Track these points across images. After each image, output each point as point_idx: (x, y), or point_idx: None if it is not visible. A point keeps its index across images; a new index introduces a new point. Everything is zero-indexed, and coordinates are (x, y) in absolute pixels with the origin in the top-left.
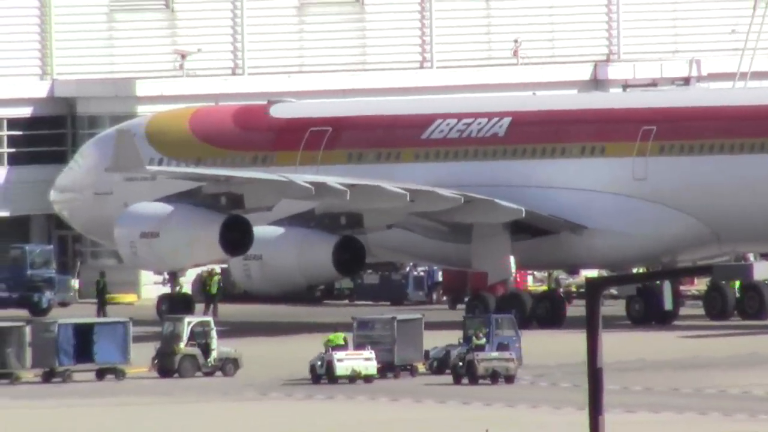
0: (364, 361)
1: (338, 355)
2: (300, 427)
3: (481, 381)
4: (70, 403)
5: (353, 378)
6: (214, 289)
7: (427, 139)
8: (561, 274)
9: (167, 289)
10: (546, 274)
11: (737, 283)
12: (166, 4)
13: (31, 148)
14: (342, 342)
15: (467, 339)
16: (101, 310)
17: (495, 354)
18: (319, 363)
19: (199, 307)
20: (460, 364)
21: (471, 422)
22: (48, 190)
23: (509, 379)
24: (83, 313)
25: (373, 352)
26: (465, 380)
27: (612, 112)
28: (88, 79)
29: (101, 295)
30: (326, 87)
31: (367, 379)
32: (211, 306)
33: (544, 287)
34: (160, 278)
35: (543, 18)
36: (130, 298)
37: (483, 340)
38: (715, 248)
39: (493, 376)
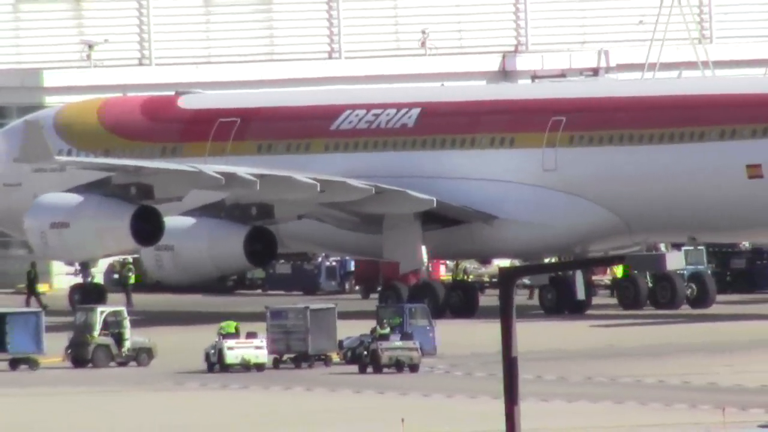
0: (255, 350)
1: (228, 343)
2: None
3: (385, 370)
4: None
5: (246, 366)
6: (132, 279)
7: (336, 129)
8: (471, 264)
9: (79, 280)
10: (454, 264)
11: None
12: None
13: None
14: (233, 330)
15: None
16: (29, 300)
17: (399, 343)
18: (212, 351)
19: (117, 297)
20: (365, 353)
21: (386, 412)
22: None
23: (413, 368)
24: None
25: (264, 340)
26: (369, 369)
27: (521, 103)
28: None
29: (31, 285)
30: (234, 78)
31: (259, 367)
32: (126, 296)
33: (452, 276)
34: (71, 268)
35: (451, 8)
36: (42, 288)
37: (387, 330)
38: (626, 238)
39: (398, 365)
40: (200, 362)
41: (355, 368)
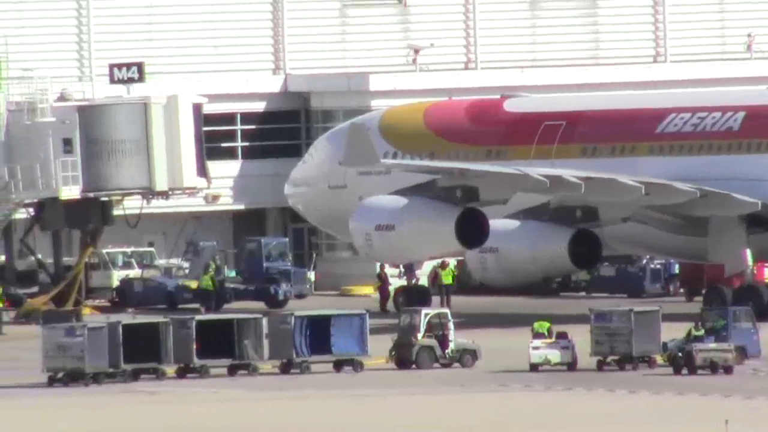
0: (560, 350)
1: (535, 343)
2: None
3: (699, 371)
4: (307, 395)
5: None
6: (449, 280)
7: (661, 133)
8: None
9: (404, 282)
10: None
11: None
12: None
13: (265, 141)
14: (545, 330)
15: (709, 332)
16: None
17: (713, 345)
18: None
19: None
20: (680, 354)
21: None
22: (282, 183)
23: (728, 369)
24: (319, 305)
25: (571, 341)
26: (684, 371)
27: None
28: (321, 74)
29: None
30: (559, 81)
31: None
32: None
33: None
34: (396, 271)
35: None
36: (367, 290)
37: (701, 332)
38: None
39: (712, 367)
40: (523, 363)
41: (665, 370)
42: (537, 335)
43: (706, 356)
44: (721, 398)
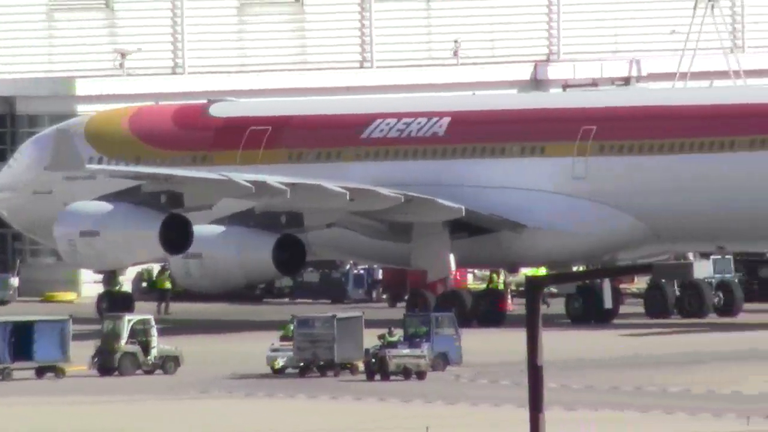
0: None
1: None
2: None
3: (393, 377)
4: (10, 402)
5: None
6: (167, 284)
7: (367, 138)
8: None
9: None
10: (487, 273)
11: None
12: (105, 3)
13: None
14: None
15: (408, 337)
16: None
17: (406, 351)
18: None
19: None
20: (373, 360)
21: (411, 419)
22: None
23: (421, 375)
24: (23, 311)
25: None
26: (378, 377)
27: (552, 112)
28: (27, 78)
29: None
30: (266, 86)
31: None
32: (163, 303)
33: (484, 285)
34: (99, 277)
35: (483, 18)
36: (69, 296)
37: (396, 337)
38: (654, 247)
39: (405, 373)
40: (225, 370)
41: (363, 376)
42: (284, 338)
43: (399, 362)
44: (423, 404)
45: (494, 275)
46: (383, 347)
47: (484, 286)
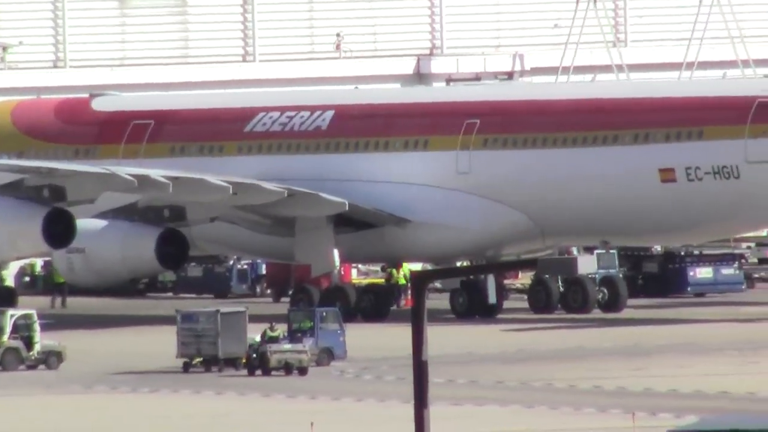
0: None
1: None
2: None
3: (274, 373)
4: None
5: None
6: (60, 279)
7: (249, 132)
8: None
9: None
10: (372, 267)
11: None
12: None
13: None
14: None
15: (292, 331)
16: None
17: (288, 346)
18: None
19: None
20: (254, 356)
21: (296, 415)
22: None
23: (302, 370)
24: None
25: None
26: (259, 372)
27: (435, 106)
28: None
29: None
30: (149, 80)
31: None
32: (59, 297)
33: (373, 280)
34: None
35: (366, 11)
36: None
37: (277, 332)
38: (539, 242)
39: (287, 368)
40: (109, 365)
41: (245, 371)
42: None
43: (281, 357)
44: (308, 400)
45: (394, 271)
46: (264, 342)
47: (367, 281)
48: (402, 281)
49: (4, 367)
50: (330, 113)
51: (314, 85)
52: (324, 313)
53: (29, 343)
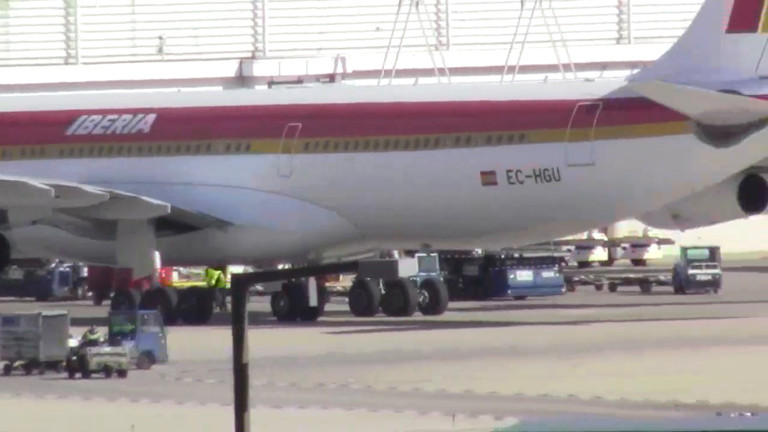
0: None
1: None
2: None
3: (94, 375)
4: None
5: None
6: None
7: (71, 135)
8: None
9: None
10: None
11: None
12: None
13: None
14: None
15: (112, 334)
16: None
17: (107, 349)
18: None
19: None
20: (74, 358)
21: (116, 418)
22: None
23: (122, 373)
24: None
25: None
26: (79, 375)
27: (257, 109)
28: None
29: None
30: None
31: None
32: None
33: (194, 283)
34: None
35: (188, 14)
36: None
37: (97, 335)
38: (360, 245)
39: (106, 371)
40: None
41: (65, 374)
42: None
43: (101, 360)
44: (128, 402)
45: (221, 274)
46: (84, 345)
47: (189, 284)
48: (224, 285)
49: None
50: (152, 116)
51: (137, 88)
52: (145, 316)
53: None
